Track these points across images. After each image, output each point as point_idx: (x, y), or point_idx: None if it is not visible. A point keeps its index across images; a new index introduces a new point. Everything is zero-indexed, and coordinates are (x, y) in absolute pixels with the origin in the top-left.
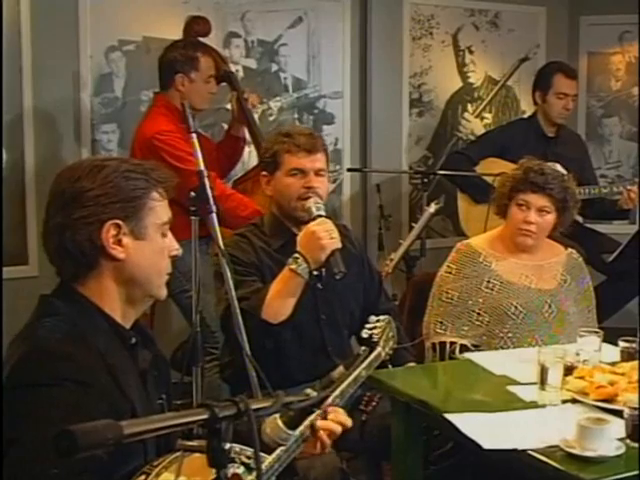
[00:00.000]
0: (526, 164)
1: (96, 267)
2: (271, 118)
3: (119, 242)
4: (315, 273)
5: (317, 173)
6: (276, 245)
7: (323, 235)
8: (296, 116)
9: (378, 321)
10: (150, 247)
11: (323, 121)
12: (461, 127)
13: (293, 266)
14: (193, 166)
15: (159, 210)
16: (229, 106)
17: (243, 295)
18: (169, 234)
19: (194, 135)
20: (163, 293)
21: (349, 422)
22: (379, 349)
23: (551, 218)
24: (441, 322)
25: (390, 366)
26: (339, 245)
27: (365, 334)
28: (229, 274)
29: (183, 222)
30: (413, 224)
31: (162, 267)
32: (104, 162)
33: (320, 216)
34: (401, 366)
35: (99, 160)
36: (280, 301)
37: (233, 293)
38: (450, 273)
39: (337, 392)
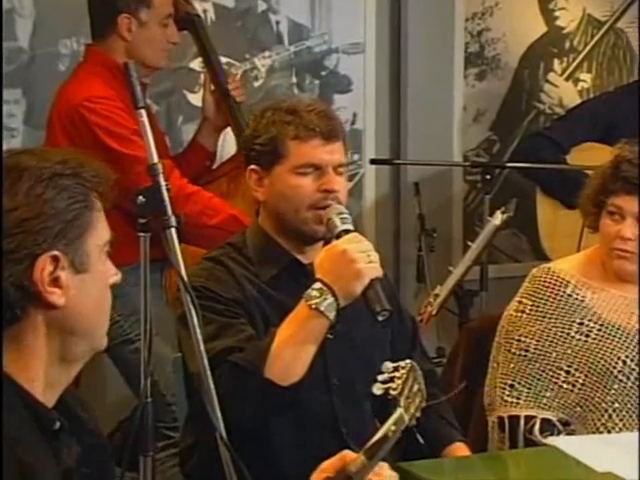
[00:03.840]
0: (620, 151)
1: (21, 320)
2: (257, 83)
3: (56, 282)
4: None
5: (336, 170)
6: (266, 276)
7: (358, 257)
8: (294, 80)
9: (396, 369)
10: (94, 281)
11: (335, 88)
12: (544, 95)
13: (315, 301)
14: (140, 151)
15: (100, 226)
16: (193, 65)
17: (232, 345)
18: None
19: (143, 112)
20: (105, 342)
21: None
22: (400, 410)
23: None
24: (511, 386)
25: (419, 437)
26: (380, 272)
27: (378, 390)
28: (195, 318)
29: (126, 238)
30: (469, 242)
31: (108, 306)
32: (18, 161)
33: (348, 231)
34: (444, 448)
35: (10, 158)
36: (293, 352)
37: (202, 346)
38: (523, 312)
39: None
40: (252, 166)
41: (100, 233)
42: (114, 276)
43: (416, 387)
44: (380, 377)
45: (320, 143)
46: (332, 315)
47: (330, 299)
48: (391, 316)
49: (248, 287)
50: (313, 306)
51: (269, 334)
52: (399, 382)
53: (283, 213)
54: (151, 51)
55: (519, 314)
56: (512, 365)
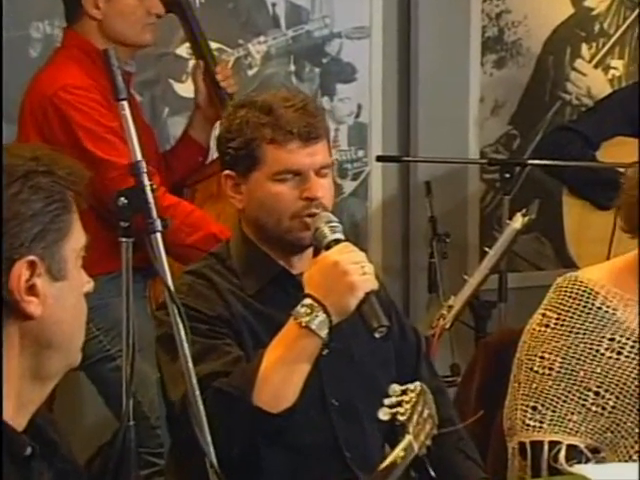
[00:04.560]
0: None
1: None
2: (251, 72)
3: (32, 289)
4: None
5: (319, 172)
6: (253, 288)
7: (351, 269)
8: (292, 68)
9: (404, 392)
10: (71, 289)
11: (337, 77)
12: (570, 84)
13: (305, 318)
14: (116, 154)
15: (77, 229)
16: (180, 51)
17: (218, 369)
18: None
19: (125, 104)
20: (79, 357)
21: None
22: (409, 438)
23: None
24: (534, 408)
25: (431, 470)
26: (376, 285)
27: (385, 415)
28: (184, 335)
29: (105, 245)
30: (486, 248)
31: (84, 317)
32: None
33: (338, 241)
34: None
35: None
36: (283, 376)
37: (189, 363)
38: (547, 326)
39: None
40: (227, 171)
41: (77, 237)
42: (87, 284)
43: (426, 412)
44: (387, 401)
45: (299, 146)
46: (324, 333)
47: (322, 316)
48: (390, 330)
49: (233, 302)
50: (303, 324)
51: (257, 356)
52: (407, 407)
53: (264, 223)
54: (127, 26)
55: (542, 328)
56: (535, 385)
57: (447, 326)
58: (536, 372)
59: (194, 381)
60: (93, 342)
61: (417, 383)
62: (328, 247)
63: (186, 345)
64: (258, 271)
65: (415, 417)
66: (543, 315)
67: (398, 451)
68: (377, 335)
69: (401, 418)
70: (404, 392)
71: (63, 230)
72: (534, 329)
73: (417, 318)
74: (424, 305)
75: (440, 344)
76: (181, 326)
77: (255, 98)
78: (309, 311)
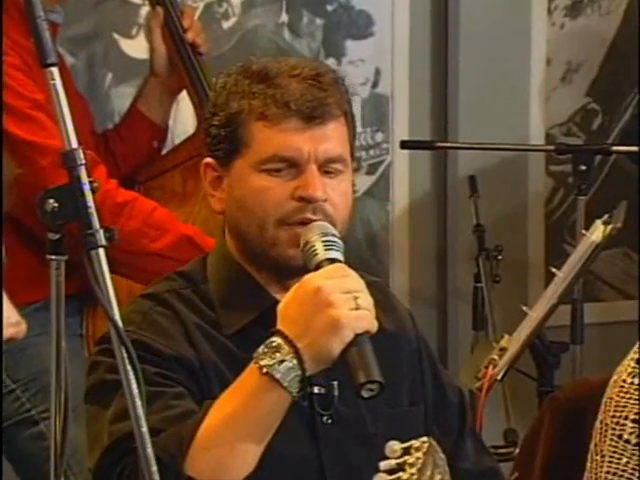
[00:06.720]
0: None
1: None
2: (227, 24)
3: None
4: (317, 390)
5: (325, 167)
6: (233, 326)
7: (338, 299)
8: (284, 19)
9: (407, 452)
10: None
11: (347, 31)
12: None
13: (267, 362)
14: (45, 134)
15: None
16: None
17: (153, 425)
18: None
19: (54, 70)
20: None
21: None
22: None
23: None
24: None
25: None
26: (373, 325)
27: None
28: (136, 389)
29: (25, 266)
30: (554, 269)
31: None
32: None
33: (333, 260)
34: None
35: None
36: (230, 441)
37: (144, 427)
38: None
39: None
40: (208, 159)
41: None
42: (12, 328)
43: (438, 478)
44: (383, 465)
45: (297, 126)
46: (295, 387)
47: (290, 361)
48: (420, 387)
49: (202, 343)
50: (264, 370)
51: (201, 409)
52: (413, 471)
53: (245, 231)
54: None
55: (635, 380)
56: (625, 459)
57: (499, 377)
58: (627, 441)
59: (149, 451)
60: (7, 400)
61: (424, 438)
62: (318, 268)
63: (139, 403)
64: (242, 303)
65: None
66: (635, 367)
67: None
68: (365, 394)
69: None
70: (407, 451)
71: None
72: (624, 381)
73: (457, 365)
74: (467, 346)
75: (489, 401)
76: (132, 376)
77: (251, 65)
78: (274, 353)
